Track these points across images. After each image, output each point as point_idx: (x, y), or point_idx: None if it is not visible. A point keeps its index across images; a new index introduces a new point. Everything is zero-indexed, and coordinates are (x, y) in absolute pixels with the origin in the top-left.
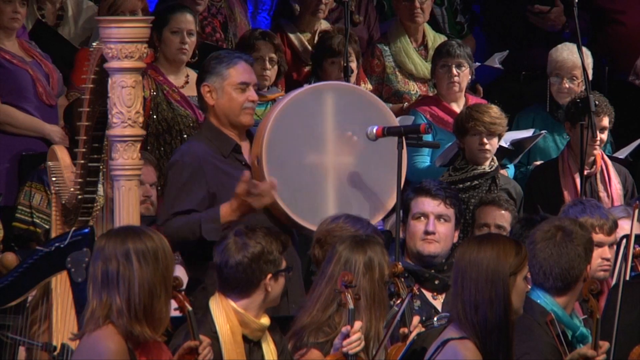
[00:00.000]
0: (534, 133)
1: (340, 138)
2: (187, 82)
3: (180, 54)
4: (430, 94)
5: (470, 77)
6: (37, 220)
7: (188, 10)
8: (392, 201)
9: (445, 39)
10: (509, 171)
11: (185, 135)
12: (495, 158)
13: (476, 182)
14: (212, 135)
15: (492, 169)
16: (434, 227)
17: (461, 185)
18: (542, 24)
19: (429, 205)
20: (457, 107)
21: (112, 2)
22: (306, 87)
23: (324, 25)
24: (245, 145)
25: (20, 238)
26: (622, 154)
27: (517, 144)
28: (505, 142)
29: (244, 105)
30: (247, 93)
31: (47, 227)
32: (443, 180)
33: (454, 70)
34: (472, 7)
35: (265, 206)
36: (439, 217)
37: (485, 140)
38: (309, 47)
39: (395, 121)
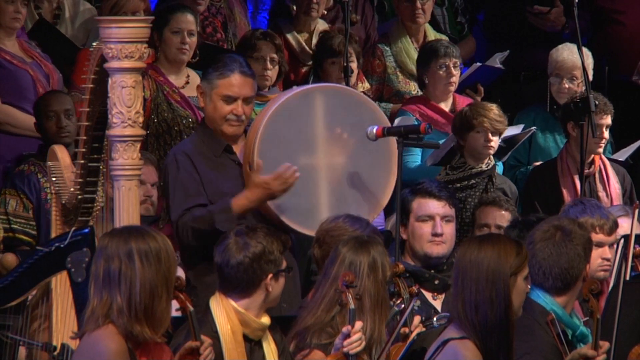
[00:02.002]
0: (523, 129)
1: (330, 139)
2: (187, 83)
3: (180, 54)
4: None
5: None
6: (16, 226)
7: (189, 10)
8: (385, 200)
9: (447, 39)
10: (498, 169)
11: (185, 137)
12: (492, 157)
13: (473, 181)
14: (205, 136)
15: (488, 168)
16: (442, 228)
17: (459, 185)
18: (542, 25)
19: (434, 206)
20: (446, 106)
21: (115, 3)
22: (295, 90)
23: (322, 25)
24: (239, 145)
25: (4, 245)
26: (622, 156)
27: (508, 141)
28: None
29: (227, 116)
30: (232, 106)
31: (28, 230)
32: (440, 180)
33: (453, 71)
34: (477, 16)
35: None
36: (443, 218)
37: (490, 137)
38: (307, 48)
39: (386, 119)
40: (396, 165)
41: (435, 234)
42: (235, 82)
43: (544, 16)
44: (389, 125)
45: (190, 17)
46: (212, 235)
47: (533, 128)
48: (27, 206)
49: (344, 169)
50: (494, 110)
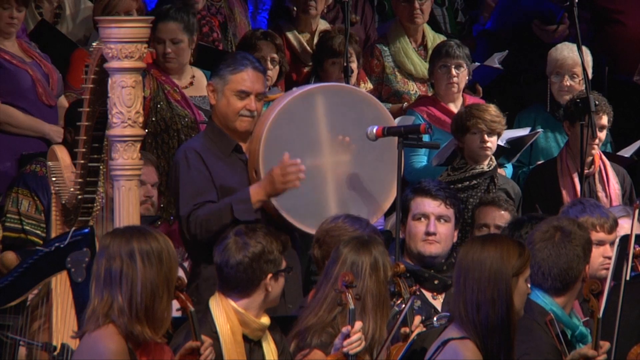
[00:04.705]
0: (530, 131)
1: (334, 138)
2: (191, 83)
3: (165, 62)
4: (429, 94)
5: (468, 77)
6: (28, 227)
7: (173, 18)
8: (391, 199)
9: (445, 39)
10: (507, 170)
11: (182, 136)
12: (493, 157)
13: (475, 181)
14: (214, 135)
15: (490, 169)
16: (435, 227)
17: (460, 185)
18: (546, 38)
19: (429, 206)
20: (455, 107)
21: (107, 3)
22: (295, 92)
23: (323, 25)
24: (247, 144)
25: (12, 248)
26: (627, 152)
27: (514, 143)
28: (501, 141)
29: (240, 112)
30: (245, 101)
31: (39, 232)
32: (442, 180)
33: (453, 71)
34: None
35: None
36: (439, 217)
37: (486, 138)
38: (308, 48)
39: (388, 114)
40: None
41: (427, 233)
42: (248, 77)
43: (551, 33)
44: (392, 120)
45: (172, 25)
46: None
47: (540, 130)
48: (39, 208)
49: (350, 167)
50: (489, 111)
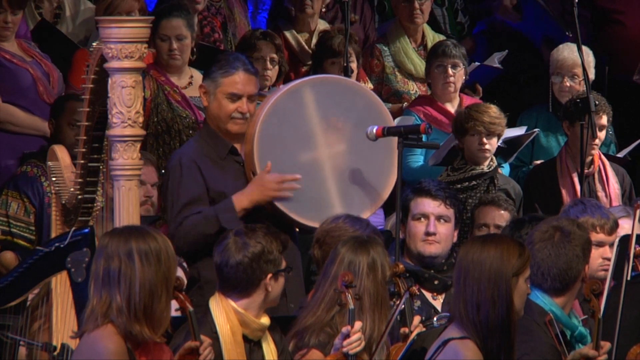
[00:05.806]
0: (526, 131)
1: (328, 129)
2: (190, 83)
3: (170, 59)
4: (428, 94)
5: (465, 77)
6: (15, 230)
7: (176, 15)
8: (389, 188)
9: (445, 38)
10: (504, 170)
11: (184, 136)
12: (494, 158)
13: (474, 182)
14: (209, 137)
15: (490, 170)
16: (435, 228)
17: (459, 186)
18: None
19: (429, 206)
20: (452, 107)
21: (109, 3)
22: (282, 89)
23: (323, 25)
24: (241, 145)
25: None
26: (621, 153)
27: (511, 142)
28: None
29: (232, 114)
30: (237, 103)
31: (27, 235)
32: (441, 180)
33: (450, 71)
34: (477, 24)
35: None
36: (439, 217)
37: (484, 140)
38: (306, 47)
39: (379, 100)
40: (396, 145)
41: (427, 233)
42: (240, 79)
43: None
44: (383, 106)
45: (176, 22)
46: (214, 238)
47: (536, 130)
48: (29, 210)
49: (347, 156)
50: (489, 112)
